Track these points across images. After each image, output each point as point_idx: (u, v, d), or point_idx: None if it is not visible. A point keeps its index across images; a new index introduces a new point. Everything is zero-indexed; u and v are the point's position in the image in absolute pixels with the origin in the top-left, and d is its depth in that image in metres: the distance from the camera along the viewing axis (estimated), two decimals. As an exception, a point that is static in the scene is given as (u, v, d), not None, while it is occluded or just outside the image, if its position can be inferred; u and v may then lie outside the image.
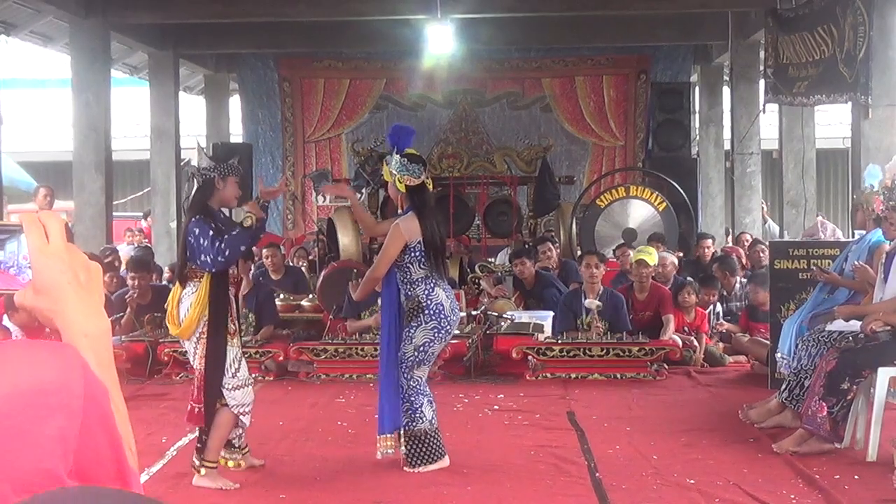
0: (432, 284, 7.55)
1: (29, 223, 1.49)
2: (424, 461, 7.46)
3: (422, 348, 7.50)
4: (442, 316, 7.54)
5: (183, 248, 7.16)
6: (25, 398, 1.26)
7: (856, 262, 8.81)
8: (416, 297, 7.51)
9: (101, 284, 1.56)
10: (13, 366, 1.30)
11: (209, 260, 6.94)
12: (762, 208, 19.41)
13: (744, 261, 14.54)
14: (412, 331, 7.48)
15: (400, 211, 7.70)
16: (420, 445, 7.47)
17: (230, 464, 7.37)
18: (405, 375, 7.49)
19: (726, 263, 13.33)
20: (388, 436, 7.57)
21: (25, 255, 1.49)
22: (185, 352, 10.12)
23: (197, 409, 7.16)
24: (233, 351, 7.18)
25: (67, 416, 1.29)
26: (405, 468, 7.44)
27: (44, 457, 1.26)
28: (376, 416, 7.70)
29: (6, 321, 9.90)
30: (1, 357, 1.32)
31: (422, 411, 7.49)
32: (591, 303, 11.49)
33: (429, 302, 7.51)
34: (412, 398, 7.49)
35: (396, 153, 7.58)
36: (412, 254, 7.50)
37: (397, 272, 7.57)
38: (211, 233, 6.94)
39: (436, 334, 7.53)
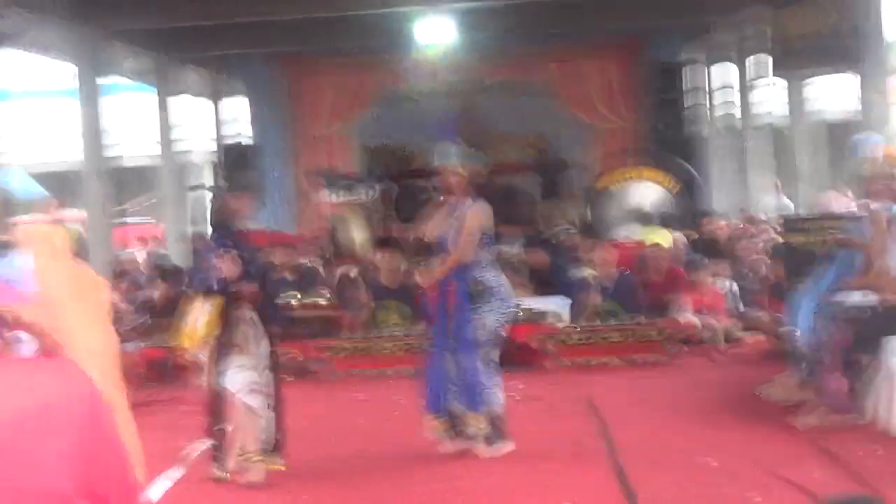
0: (497, 269, 7.78)
1: (35, 238, 1.48)
2: (500, 439, 7.62)
3: (495, 330, 7.64)
4: (508, 298, 7.77)
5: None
6: (31, 419, 1.25)
7: (871, 206, 8.74)
8: (484, 281, 7.61)
9: (107, 296, 1.55)
10: (18, 386, 1.29)
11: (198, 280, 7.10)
12: (775, 184, 19.35)
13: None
14: (482, 314, 7.57)
15: (468, 200, 7.67)
16: (497, 426, 7.63)
17: (272, 466, 7.35)
18: (483, 359, 7.59)
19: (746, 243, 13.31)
20: (440, 417, 7.65)
21: (31, 269, 1.49)
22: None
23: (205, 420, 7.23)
24: (236, 360, 7.21)
25: (73, 434, 1.28)
26: (483, 450, 7.55)
27: (51, 476, 1.25)
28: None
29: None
30: (6, 376, 1.31)
31: (497, 394, 7.65)
32: (587, 271, 11.52)
33: (497, 286, 7.68)
34: (488, 381, 7.62)
35: (459, 144, 7.75)
36: (483, 239, 7.62)
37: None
38: (211, 259, 7.07)
39: (504, 316, 7.72)
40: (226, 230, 7.23)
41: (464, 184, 7.67)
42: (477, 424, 7.58)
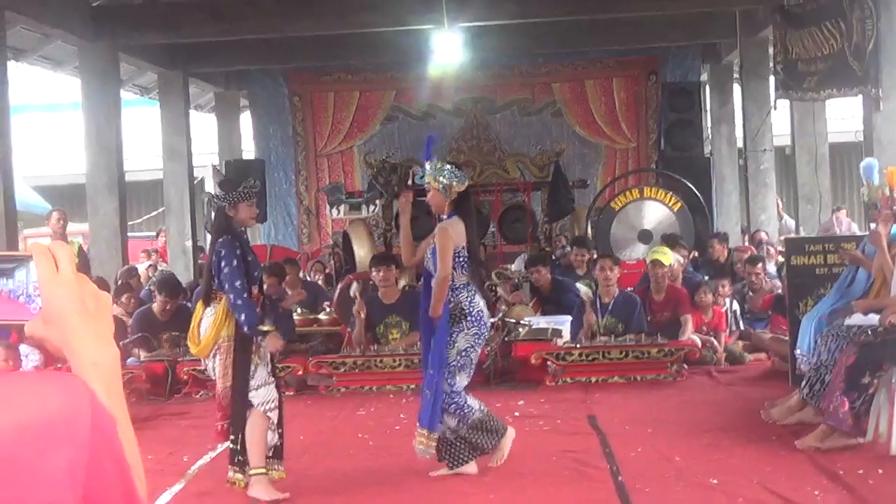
0: (473, 291, 7.65)
1: (38, 252, 1.49)
2: (497, 438, 7.61)
3: (464, 353, 7.54)
4: (482, 322, 7.66)
5: (209, 267, 7.22)
6: (33, 432, 1.26)
7: (871, 226, 8.78)
8: (458, 303, 7.54)
9: (111, 313, 1.56)
10: (20, 399, 1.30)
11: (225, 286, 7.04)
12: (777, 204, 19.37)
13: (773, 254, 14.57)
14: (454, 336, 7.50)
15: (444, 216, 7.66)
16: (483, 431, 7.57)
17: (274, 474, 7.35)
18: (448, 381, 7.48)
19: (753, 261, 13.32)
20: (423, 431, 7.51)
21: (35, 283, 1.49)
22: (205, 370, 10.18)
23: (220, 427, 7.21)
24: (254, 363, 7.22)
25: (76, 448, 1.28)
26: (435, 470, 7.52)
27: (53, 490, 1.26)
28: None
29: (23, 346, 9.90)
30: (8, 390, 1.32)
31: (469, 405, 7.54)
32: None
33: (471, 308, 7.59)
34: (456, 399, 7.51)
35: (436, 161, 7.72)
36: (457, 259, 7.54)
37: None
38: (235, 262, 7.08)
39: (476, 340, 7.61)
40: (234, 233, 7.27)
41: (440, 200, 7.62)
42: (426, 441, 7.45)
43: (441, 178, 7.55)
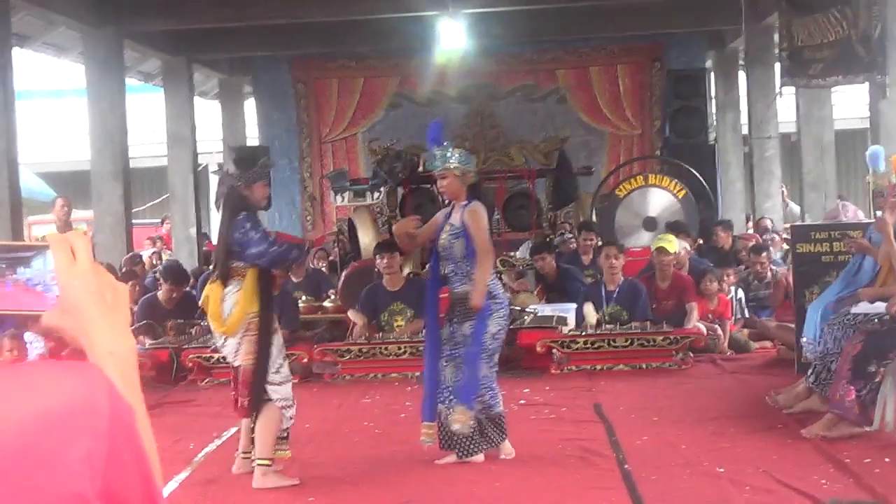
0: (495, 275, 7.81)
1: (56, 243, 1.49)
2: (504, 436, 7.67)
3: (496, 335, 7.61)
4: (506, 305, 7.79)
5: (226, 245, 7.17)
6: (52, 421, 1.26)
7: (877, 214, 8.77)
8: (489, 286, 7.55)
9: (127, 304, 1.55)
10: (39, 388, 1.29)
11: (259, 252, 7.07)
12: (782, 191, 19.35)
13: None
14: (485, 320, 7.49)
15: (463, 202, 7.62)
16: (497, 426, 7.64)
17: (279, 454, 7.37)
18: (488, 364, 7.57)
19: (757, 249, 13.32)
20: (430, 424, 7.57)
21: (51, 271, 1.49)
22: (210, 357, 10.17)
23: (241, 402, 7.23)
24: (276, 347, 7.24)
25: (94, 438, 1.28)
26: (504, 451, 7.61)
27: (72, 480, 1.25)
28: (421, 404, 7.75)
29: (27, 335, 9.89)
30: (26, 379, 1.32)
31: (497, 396, 7.64)
32: (588, 311, 11.54)
33: (497, 291, 7.69)
34: (492, 384, 7.62)
35: (449, 146, 7.71)
36: (470, 244, 7.57)
37: (463, 263, 7.57)
38: (262, 229, 7.18)
39: (503, 323, 7.71)
40: (251, 210, 7.28)
41: (458, 186, 7.63)
42: (464, 420, 7.44)
43: (458, 164, 7.56)
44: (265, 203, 7.74)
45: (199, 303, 7.75)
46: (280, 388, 7.20)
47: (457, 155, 7.62)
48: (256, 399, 7.16)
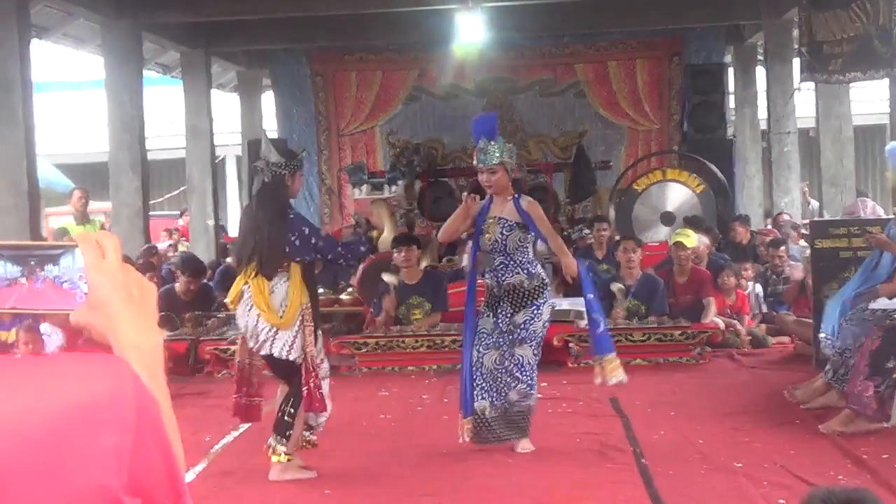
0: (538, 263, 7.84)
1: (85, 241, 1.50)
2: (522, 434, 7.70)
3: (546, 323, 7.74)
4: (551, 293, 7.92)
5: (273, 242, 7.11)
6: (80, 413, 1.26)
7: (894, 210, 8.74)
8: (539, 275, 7.69)
9: (154, 301, 1.56)
10: (66, 380, 1.29)
11: (336, 254, 7.36)
12: (804, 191, 19.30)
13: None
14: (540, 308, 7.59)
15: (509, 196, 7.68)
16: (527, 421, 7.73)
17: (308, 436, 7.43)
18: (535, 352, 7.62)
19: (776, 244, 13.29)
20: (470, 419, 7.61)
21: (79, 268, 1.51)
22: (227, 349, 10.17)
23: (311, 393, 7.17)
24: (320, 342, 7.36)
25: (121, 430, 1.28)
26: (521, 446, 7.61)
27: (99, 472, 1.25)
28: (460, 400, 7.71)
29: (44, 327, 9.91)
30: (54, 371, 1.32)
31: (535, 388, 7.71)
32: (615, 286, 11.51)
33: (547, 280, 7.84)
34: (535, 375, 7.67)
35: (502, 140, 7.72)
36: (539, 233, 7.71)
37: (517, 254, 7.63)
38: (318, 228, 7.43)
39: (550, 311, 7.80)
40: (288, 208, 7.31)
41: (507, 180, 7.66)
42: (617, 366, 7.68)
43: (509, 159, 7.61)
44: (297, 194, 7.72)
45: (227, 300, 7.66)
46: (323, 382, 7.23)
47: (507, 148, 7.66)
48: (296, 394, 7.20)
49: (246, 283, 7.19)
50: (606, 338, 7.75)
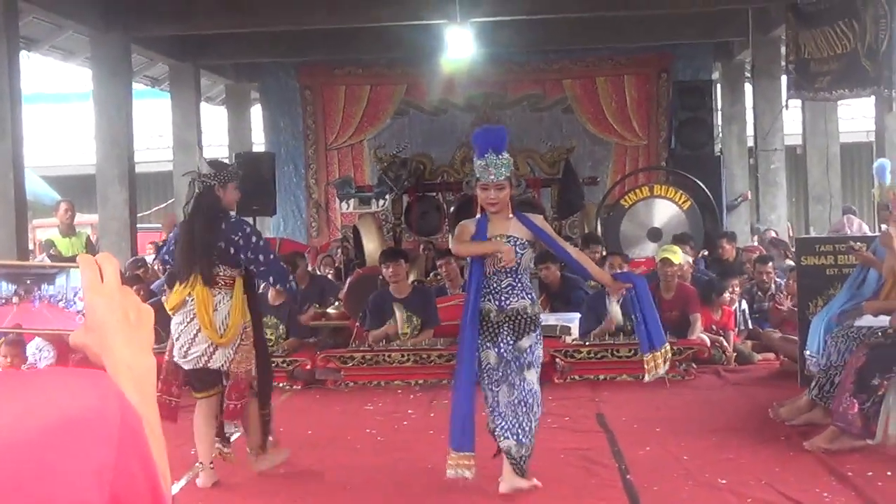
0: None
1: (84, 263, 1.52)
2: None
3: (542, 347, 7.29)
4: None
5: (208, 246, 7.16)
6: (61, 429, 1.26)
7: (882, 228, 8.77)
8: (536, 301, 7.34)
9: (151, 325, 1.57)
10: (47, 395, 1.29)
11: (268, 256, 7.34)
12: (790, 206, 19.35)
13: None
14: (540, 335, 7.21)
15: (509, 214, 7.19)
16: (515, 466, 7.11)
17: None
18: (538, 378, 7.18)
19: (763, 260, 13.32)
20: (468, 454, 7.00)
21: (74, 288, 1.53)
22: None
23: (233, 406, 7.39)
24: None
25: (104, 447, 1.28)
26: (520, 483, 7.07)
27: (81, 490, 1.25)
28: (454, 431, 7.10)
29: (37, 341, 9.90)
30: (36, 386, 1.32)
31: (534, 427, 7.14)
32: (613, 306, 11.49)
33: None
34: (538, 406, 7.17)
35: (507, 154, 7.16)
36: (561, 252, 7.48)
37: (524, 276, 7.17)
38: (262, 236, 7.47)
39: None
40: (223, 214, 7.36)
41: (508, 197, 7.15)
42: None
43: (511, 175, 7.15)
44: (234, 207, 7.63)
45: (167, 305, 7.63)
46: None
47: (510, 164, 7.18)
48: (266, 400, 7.49)
49: (190, 294, 7.24)
50: (655, 331, 7.39)
